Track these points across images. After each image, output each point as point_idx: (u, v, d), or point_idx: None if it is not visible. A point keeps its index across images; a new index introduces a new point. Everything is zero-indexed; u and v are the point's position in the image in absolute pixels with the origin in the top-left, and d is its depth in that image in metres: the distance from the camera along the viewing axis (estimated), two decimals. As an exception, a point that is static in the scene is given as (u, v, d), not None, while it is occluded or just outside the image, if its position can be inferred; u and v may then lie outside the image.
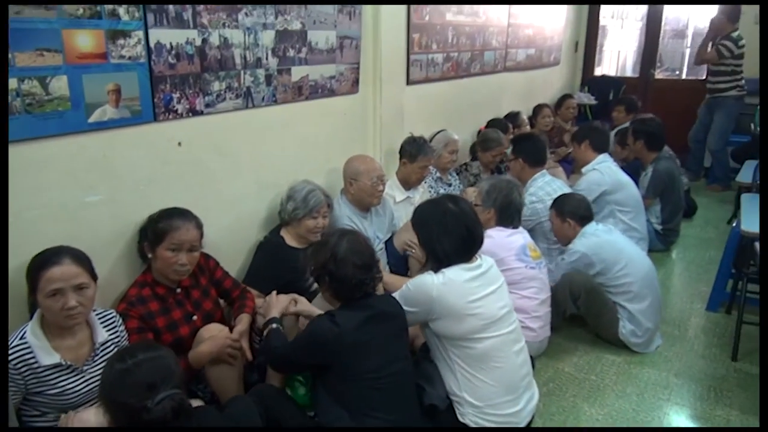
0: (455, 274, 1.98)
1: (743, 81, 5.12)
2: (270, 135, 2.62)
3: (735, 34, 4.99)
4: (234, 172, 2.45)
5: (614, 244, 2.82)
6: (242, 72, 2.39)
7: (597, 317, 2.79)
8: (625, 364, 2.68)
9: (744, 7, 5.58)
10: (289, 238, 2.52)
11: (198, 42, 2.16)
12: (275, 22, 2.50)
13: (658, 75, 6.45)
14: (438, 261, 2.03)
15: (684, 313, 3.16)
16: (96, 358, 1.71)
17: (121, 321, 1.84)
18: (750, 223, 2.60)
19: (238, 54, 2.35)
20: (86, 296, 1.64)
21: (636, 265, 2.77)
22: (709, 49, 5.12)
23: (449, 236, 2.00)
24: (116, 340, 1.79)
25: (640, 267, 2.78)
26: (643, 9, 6.36)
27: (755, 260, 2.75)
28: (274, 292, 2.17)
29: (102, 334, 1.74)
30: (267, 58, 2.50)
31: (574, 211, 2.89)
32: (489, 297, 1.99)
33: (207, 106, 2.26)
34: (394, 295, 2.05)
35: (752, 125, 4.82)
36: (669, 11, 6.33)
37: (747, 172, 3.50)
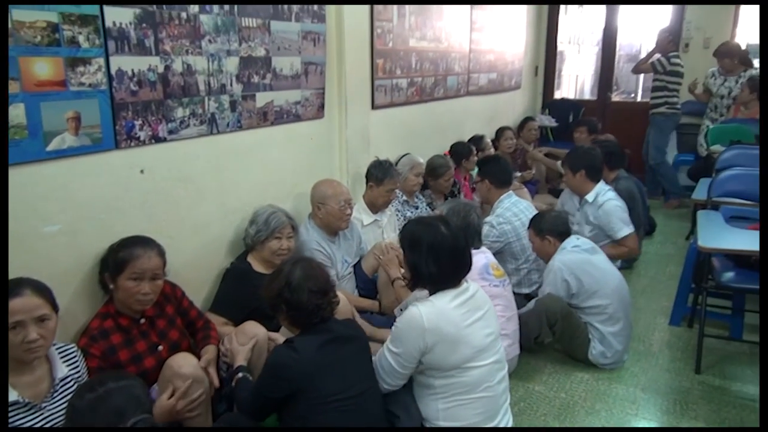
0: (441, 301, 1.94)
1: (676, 100, 5.41)
2: (235, 160, 2.60)
3: (672, 54, 5.30)
4: (198, 198, 2.42)
5: (594, 263, 2.83)
6: (206, 98, 2.38)
7: (570, 339, 2.82)
8: (593, 381, 2.72)
9: (693, 31, 5.88)
10: (256, 264, 2.49)
11: (161, 69, 2.15)
12: (239, 49, 2.51)
13: (615, 98, 6.69)
14: (422, 283, 2.02)
15: (649, 328, 3.23)
16: (55, 394, 1.64)
17: (82, 356, 1.78)
18: (706, 239, 2.68)
19: (201, 80, 2.34)
20: (48, 328, 1.58)
21: (613, 288, 2.79)
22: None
23: (438, 261, 1.95)
24: (77, 376, 1.72)
25: (617, 290, 2.81)
26: (598, 35, 6.60)
27: (713, 275, 2.84)
28: (235, 340, 2.11)
29: (62, 370, 1.67)
30: (231, 84, 2.50)
31: (552, 228, 2.92)
32: (477, 324, 1.96)
33: (170, 132, 2.24)
34: (386, 344, 2.00)
35: (703, 145, 5.02)
36: (623, 38, 6.59)
37: (702, 190, 3.62)
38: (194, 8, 2.26)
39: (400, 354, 1.92)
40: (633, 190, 4.05)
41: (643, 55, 6.48)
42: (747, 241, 2.76)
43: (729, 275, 2.81)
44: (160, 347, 2.01)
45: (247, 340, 2.08)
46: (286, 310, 1.84)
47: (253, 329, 2.13)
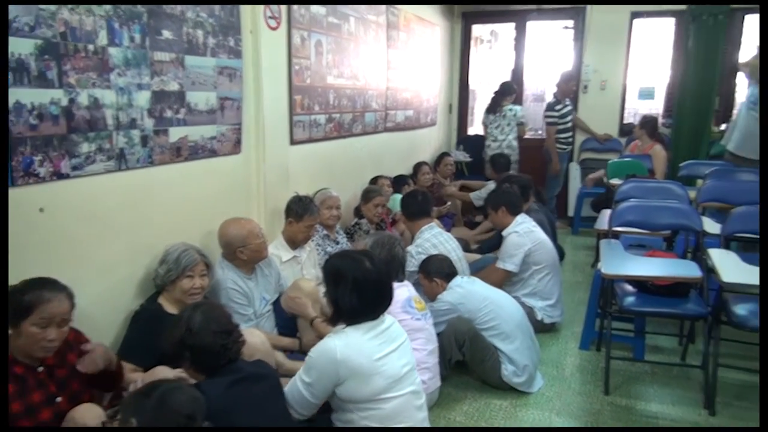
0: (356, 333, 1.97)
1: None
2: (147, 197, 2.51)
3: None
4: (105, 237, 2.30)
5: (478, 292, 2.99)
6: (114, 133, 2.29)
7: (481, 363, 2.89)
8: (511, 408, 2.78)
9: (591, 74, 6.36)
10: (168, 305, 2.39)
11: (64, 102, 2.06)
12: (151, 83, 2.45)
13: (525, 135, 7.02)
14: (342, 316, 2.02)
15: (561, 354, 3.37)
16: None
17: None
18: (608, 267, 2.86)
19: (110, 114, 2.26)
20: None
21: (502, 307, 2.94)
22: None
23: (362, 296, 1.99)
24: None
25: (506, 309, 2.95)
26: (506, 77, 6.97)
27: (616, 300, 3.02)
28: (159, 367, 2.02)
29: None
30: (142, 119, 2.42)
31: (438, 271, 3.06)
32: (391, 355, 2.00)
33: (74, 168, 2.13)
34: (298, 374, 2.00)
35: (604, 179, 5.39)
36: (528, 79, 7.02)
37: (603, 220, 3.88)
38: (102, 41, 2.19)
39: (312, 384, 1.94)
40: (543, 221, 4.27)
41: (547, 95, 6.95)
42: (645, 267, 2.97)
43: (630, 300, 2.99)
44: (59, 399, 1.85)
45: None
46: (190, 356, 1.79)
47: (164, 374, 2.03)
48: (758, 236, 3.22)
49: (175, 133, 2.63)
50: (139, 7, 2.35)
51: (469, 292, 2.98)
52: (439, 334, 2.83)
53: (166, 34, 2.52)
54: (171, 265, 2.37)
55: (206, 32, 2.76)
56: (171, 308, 2.38)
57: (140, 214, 2.47)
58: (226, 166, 3.04)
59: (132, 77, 2.35)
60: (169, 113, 2.57)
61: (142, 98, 2.42)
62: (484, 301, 2.92)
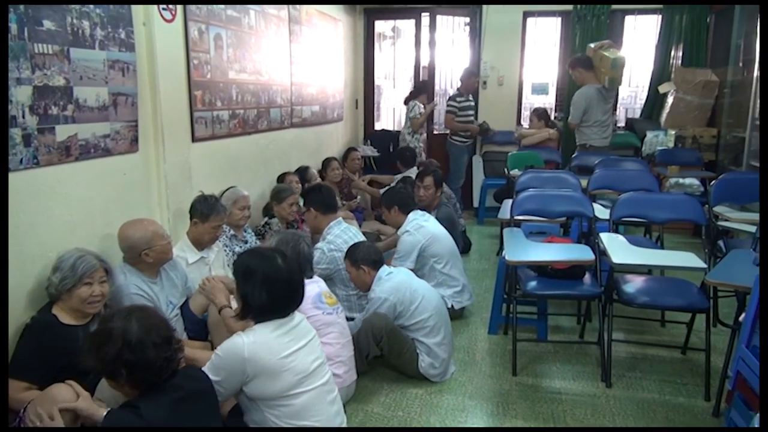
0: (265, 330, 1.96)
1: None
2: (33, 201, 2.31)
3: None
4: (-14, 246, 2.09)
5: (408, 283, 3.02)
6: (-8, 132, 2.09)
7: (398, 356, 2.93)
8: (426, 395, 2.85)
9: (489, 70, 6.63)
10: (63, 315, 2.21)
11: (-71, 98, 1.85)
12: (32, 77, 2.25)
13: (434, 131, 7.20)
14: (251, 313, 2.00)
15: (472, 340, 3.50)
16: None
17: None
18: (512, 254, 3.00)
19: (-15, 111, 2.06)
20: None
21: (429, 300, 3.00)
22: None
23: (272, 293, 1.97)
24: None
25: (432, 302, 3.01)
26: (410, 72, 7.11)
27: (520, 285, 3.18)
28: (56, 386, 1.82)
29: None
30: (24, 116, 2.23)
31: (365, 258, 3.06)
32: (301, 351, 2.00)
33: (-55, 171, 1.92)
34: (204, 368, 1.93)
35: (505, 170, 5.65)
36: (436, 75, 7.19)
37: (505, 209, 4.06)
38: (-27, 30, 1.99)
39: (218, 382, 1.90)
40: (452, 215, 4.41)
41: (450, 91, 7.15)
42: (544, 252, 3.15)
43: (532, 284, 3.15)
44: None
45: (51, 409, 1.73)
46: (127, 374, 1.60)
47: (63, 394, 1.85)
48: (642, 219, 3.53)
49: (63, 132, 2.44)
50: (16, -5, 2.16)
51: (400, 282, 2.99)
52: (356, 333, 2.84)
53: (48, 24, 2.32)
54: (66, 273, 2.20)
55: (93, 23, 2.58)
56: (67, 318, 2.21)
57: (26, 220, 2.27)
58: (123, 166, 2.87)
59: (10, 71, 2.15)
60: (54, 110, 2.38)
61: (23, 94, 2.22)
62: (415, 293, 2.96)
